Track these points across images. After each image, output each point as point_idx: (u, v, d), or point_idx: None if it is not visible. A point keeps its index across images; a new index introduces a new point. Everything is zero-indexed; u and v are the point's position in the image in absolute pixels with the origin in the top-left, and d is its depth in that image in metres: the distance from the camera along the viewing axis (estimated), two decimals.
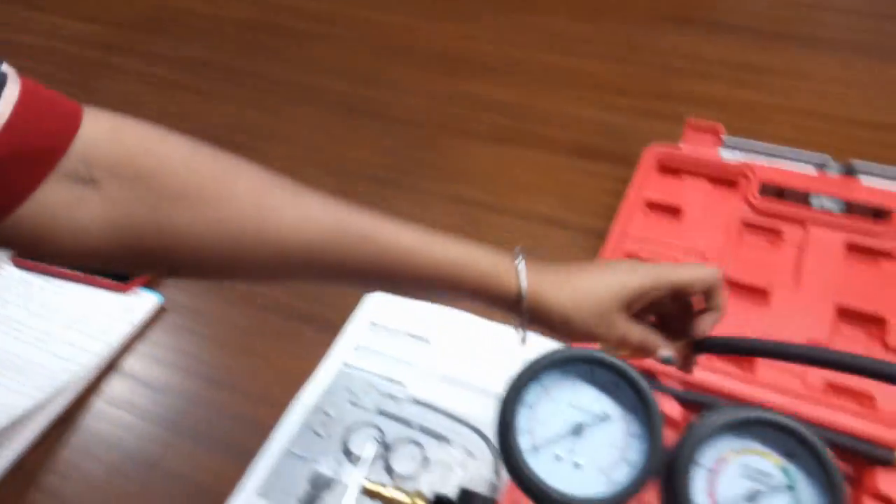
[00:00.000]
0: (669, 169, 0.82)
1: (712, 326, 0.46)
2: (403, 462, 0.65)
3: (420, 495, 0.38)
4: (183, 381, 0.73)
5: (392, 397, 0.70)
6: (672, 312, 0.47)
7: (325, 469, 0.64)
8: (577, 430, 0.35)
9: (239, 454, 0.66)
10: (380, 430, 0.67)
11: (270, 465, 0.65)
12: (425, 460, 0.65)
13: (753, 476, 0.34)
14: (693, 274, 0.44)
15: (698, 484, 0.34)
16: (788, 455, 0.34)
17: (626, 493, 0.34)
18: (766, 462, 0.34)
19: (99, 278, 0.81)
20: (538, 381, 0.36)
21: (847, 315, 0.67)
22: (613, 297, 0.42)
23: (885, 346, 0.64)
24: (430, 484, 0.63)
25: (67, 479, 0.66)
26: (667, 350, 0.45)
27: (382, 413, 0.68)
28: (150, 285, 0.82)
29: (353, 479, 0.63)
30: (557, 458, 0.35)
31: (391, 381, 0.71)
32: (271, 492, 0.63)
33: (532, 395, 0.36)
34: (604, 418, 0.35)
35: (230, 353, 0.75)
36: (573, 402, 0.36)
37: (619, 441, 0.35)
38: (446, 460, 0.64)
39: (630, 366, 0.36)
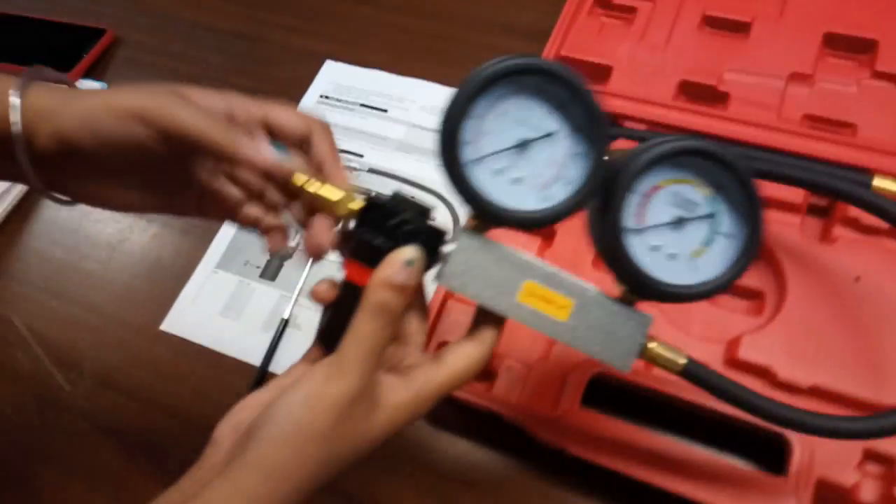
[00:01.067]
0: None
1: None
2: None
3: (356, 190, 0.35)
4: None
5: (349, 168, 0.67)
6: None
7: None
8: (522, 146, 0.33)
9: (201, 233, 0.65)
10: None
11: (228, 241, 0.64)
12: None
13: (681, 204, 0.34)
14: (284, 115, 0.36)
15: (630, 209, 0.33)
16: (717, 186, 0.34)
17: (561, 210, 0.33)
18: (696, 192, 0.34)
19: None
20: (489, 94, 0.32)
21: (834, 42, 0.61)
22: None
23: (874, 73, 0.59)
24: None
25: (26, 262, 0.66)
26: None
27: None
28: (92, 74, 0.77)
29: None
30: (498, 172, 0.33)
31: (348, 152, 0.68)
32: (230, 264, 0.63)
33: (480, 107, 0.32)
34: (549, 135, 0.33)
35: None
36: (521, 117, 0.33)
37: (560, 159, 0.33)
38: None
39: (584, 81, 0.32)
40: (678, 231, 0.34)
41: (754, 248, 0.34)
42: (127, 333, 0.60)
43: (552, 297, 0.34)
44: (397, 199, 0.35)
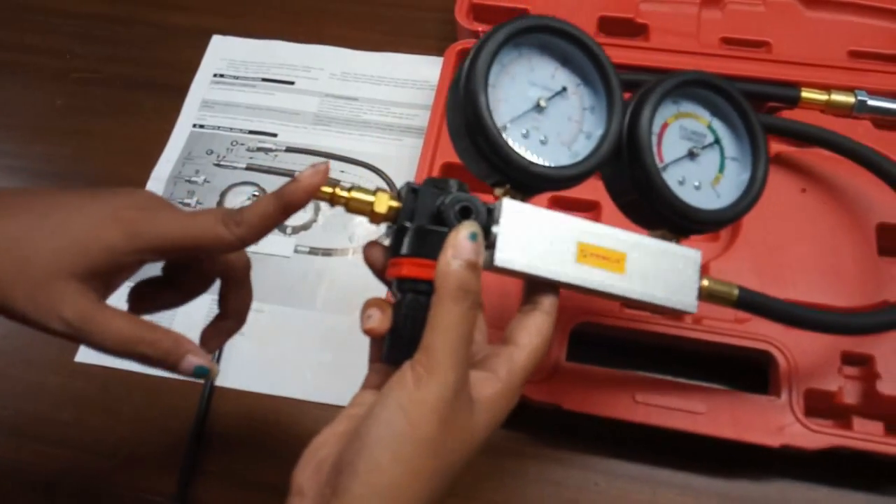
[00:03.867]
0: None
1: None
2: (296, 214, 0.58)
3: (384, 191, 0.32)
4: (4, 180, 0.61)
5: (264, 150, 0.61)
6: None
7: None
8: (539, 106, 0.33)
9: None
10: (258, 186, 0.59)
11: None
12: (317, 208, 0.58)
13: (689, 136, 0.36)
14: (199, 232, 0.32)
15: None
16: (713, 112, 0.36)
17: (591, 163, 0.33)
18: (697, 122, 0.36)
19: None
20: (496, 61, 0.32)
21: None
22: (62, 259, 0.30)
23: None
24: (325, 228, 0.57)
25: None
26: (195, 355, 0.32)
27: (255, 169, 0.60)
28: None
29: None
30: (525, 135, 0.33)
31: (259, 133, 0.62)
32: (143, 274, 0.55)
33: (492, 75, 0.32)
34: (561, 92, 0.34)
35: (54, 139, 0.63)
36: (531, 78, 0.33)
37: (577, 114, 0.34)
38: None
39: (584, 32, 0.33)
40: (695, 162, 0.35)
41: (764, 163, 0.36)
42: (35, 373, 0.52)
43: (607, 253, 0.33)
44: (432, 181, 0.32)
